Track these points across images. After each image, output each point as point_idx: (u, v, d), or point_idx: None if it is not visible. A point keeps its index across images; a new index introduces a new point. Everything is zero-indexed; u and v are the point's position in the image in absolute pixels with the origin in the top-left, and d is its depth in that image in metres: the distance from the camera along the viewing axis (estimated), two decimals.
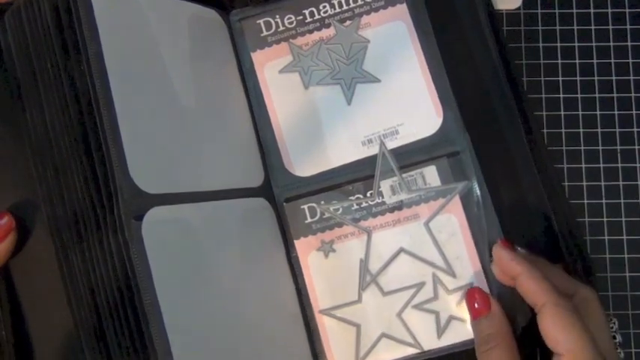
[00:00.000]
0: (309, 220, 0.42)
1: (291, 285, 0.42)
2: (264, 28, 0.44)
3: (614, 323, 0.37)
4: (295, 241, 0.42)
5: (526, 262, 0.37)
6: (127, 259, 0.31)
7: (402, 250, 0.42)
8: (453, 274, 0.41)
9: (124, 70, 0.33)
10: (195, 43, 0.39)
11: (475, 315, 0.38)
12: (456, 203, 0.42)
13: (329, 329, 0.42)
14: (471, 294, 0.39)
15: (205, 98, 0.39)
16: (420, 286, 0.41)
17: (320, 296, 0.42)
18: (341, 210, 0.42)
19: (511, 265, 0.37)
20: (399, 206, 0.42)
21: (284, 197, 0.43)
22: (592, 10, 0.48)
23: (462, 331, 0.41)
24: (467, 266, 0.41)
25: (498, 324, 0.37)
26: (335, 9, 0.44)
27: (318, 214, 0.42)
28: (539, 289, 0.35)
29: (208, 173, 0.37)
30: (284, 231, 0.42)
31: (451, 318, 0.41)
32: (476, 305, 0.38)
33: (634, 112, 0.48)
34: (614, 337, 0.36)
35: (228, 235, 0.37)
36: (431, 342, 0.41)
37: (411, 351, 0.41)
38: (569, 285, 0.37)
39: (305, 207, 0.43)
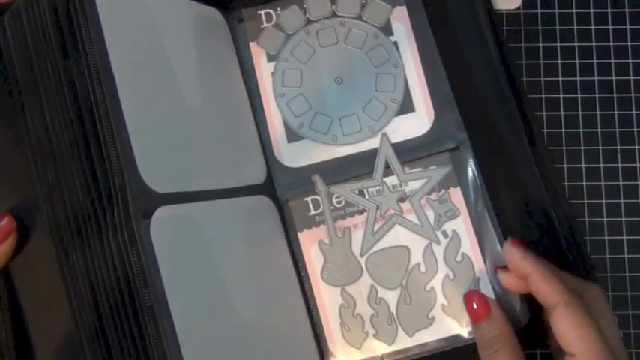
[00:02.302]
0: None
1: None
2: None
3: (614, 320, 0.37)
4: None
5: (537, 260, 0.36)
6: (134, 257, 0.30)
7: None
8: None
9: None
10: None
11: (475, 319, 0.38)
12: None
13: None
14: (469, 297, 0.38)
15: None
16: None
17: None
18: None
19: (522, 264, 0.36)
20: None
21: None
22: (592, 10, 0.48)
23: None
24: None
25: (500, 326, 0.37)
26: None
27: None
28: (552, 288, 0.35)
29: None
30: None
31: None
32: (475, 308, 0.38)
33: (634, 112, 0.48)
34: None
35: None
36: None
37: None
38: (577, 283, 0.37)
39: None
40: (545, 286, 0.35)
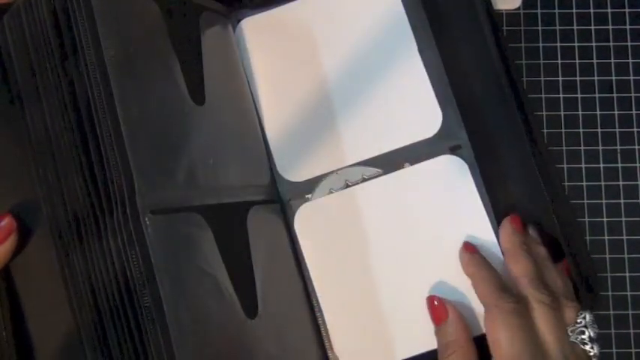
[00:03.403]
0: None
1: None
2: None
3: (584, 318, 0.36)
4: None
5: (481, 264, 0.39)
6: (133, 259, 0.30)
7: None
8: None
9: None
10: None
11: (436, 322, 0.39)
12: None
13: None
14: (430, 301, 0.40)
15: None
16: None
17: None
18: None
19: (465, 268, 0.39)
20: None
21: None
22: (592, 10, 0.49)
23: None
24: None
25: (456, 331, 0.38)
26: None
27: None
28: (485, 290, 0.37)
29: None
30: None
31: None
32: (434, 311, 0.39)
33: (634, 112, 0.48)
34: (583, 332, 0.36)
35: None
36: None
37: None
38: (559, 286, 0.38)
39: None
40: (480, 288, 0.38)
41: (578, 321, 0.36)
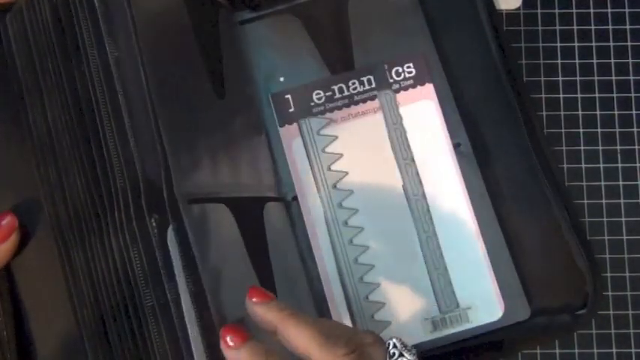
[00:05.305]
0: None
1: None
2: None
3: (395, 346, 0.31)
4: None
5: (285, 312, 0.31)
6: (135, 257, 0.31)
7: None
8: None
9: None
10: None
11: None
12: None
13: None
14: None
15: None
16: None
17: None
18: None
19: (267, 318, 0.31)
20: None
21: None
22: (592, 10, 0.49)
23: None
24: None
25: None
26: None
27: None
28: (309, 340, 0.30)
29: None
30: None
31: None
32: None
33: (634, 112, 0.48)
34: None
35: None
36: None
37: None
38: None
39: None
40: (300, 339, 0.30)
41: (391, 352, 0.31)
